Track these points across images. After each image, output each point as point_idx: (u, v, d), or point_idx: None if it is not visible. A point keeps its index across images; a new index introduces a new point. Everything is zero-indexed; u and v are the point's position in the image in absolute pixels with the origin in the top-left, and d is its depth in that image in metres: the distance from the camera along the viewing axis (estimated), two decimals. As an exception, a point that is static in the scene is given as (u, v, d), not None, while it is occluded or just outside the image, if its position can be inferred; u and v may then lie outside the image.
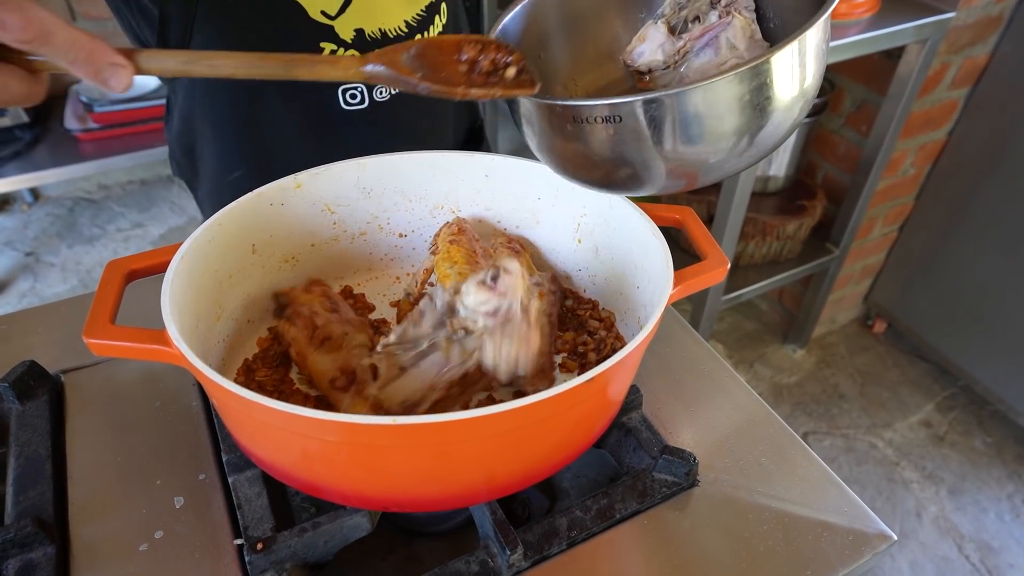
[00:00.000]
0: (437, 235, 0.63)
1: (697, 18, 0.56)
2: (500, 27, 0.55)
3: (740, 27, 0.53)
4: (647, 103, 0.43)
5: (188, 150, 0.78)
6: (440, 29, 0.74)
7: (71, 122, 1.93)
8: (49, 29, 0.36)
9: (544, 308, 0.54)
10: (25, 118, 1.91)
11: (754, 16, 0.54)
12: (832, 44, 1.21)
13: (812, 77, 0.46)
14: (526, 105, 0.50)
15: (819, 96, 1.48)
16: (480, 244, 0.63)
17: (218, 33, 0.65)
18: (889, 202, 1.75)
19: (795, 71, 0.44)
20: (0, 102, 0.38)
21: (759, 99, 0.44)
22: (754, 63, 0.42)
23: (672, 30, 0.56)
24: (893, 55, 1.42)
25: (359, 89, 0.70)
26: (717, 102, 0.43)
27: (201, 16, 0.63)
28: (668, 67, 0.56)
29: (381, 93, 0.71)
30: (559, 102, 0.47)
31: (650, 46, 0.56)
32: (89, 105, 1.89)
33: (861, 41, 1.24)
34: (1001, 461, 1.71)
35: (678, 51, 0.55)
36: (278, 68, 0.45)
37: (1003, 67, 1.51)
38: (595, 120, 0.45)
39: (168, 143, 0.80)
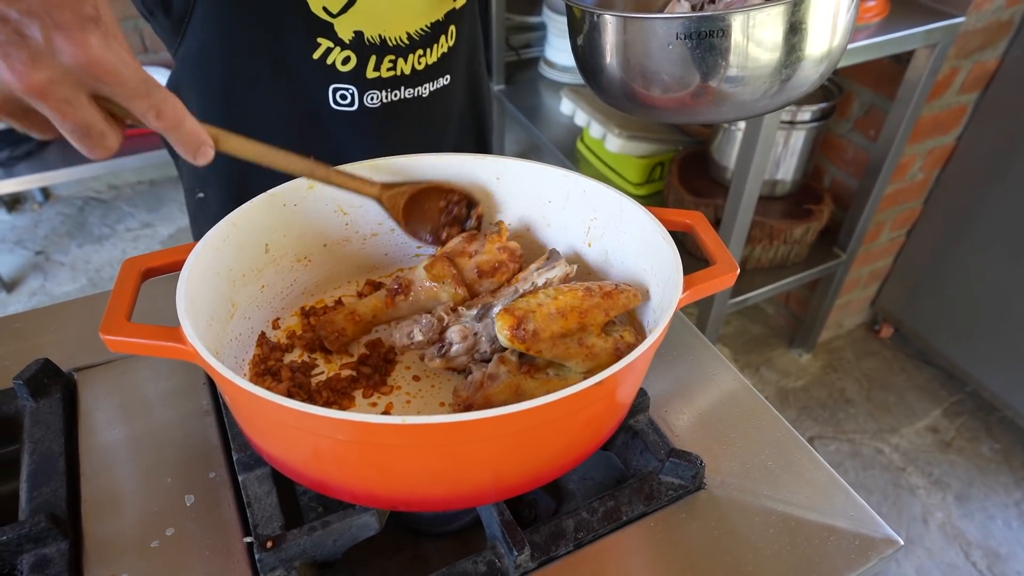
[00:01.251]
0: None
1: None
2: None
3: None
4: (787, 6, 0.46)
5: None
6: (445, 50, 0.74)
7: (82, 122, 1.94)
8: (181, 119, 0.44)
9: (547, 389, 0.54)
10: (37, 118, 1.93)
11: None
12: (841, 49, 1.21)
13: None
14: (622, 30, 0.51)
15: (827, 100, 1.48)
16: (604, 319, 0.56)
17: (219, 10, 0.65)
18: (897, 207, 1.75)
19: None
20: (92, 150, 0.42)
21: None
22: None
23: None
24: (902, 59, 1.42)
25: (350, 91, 0.70)
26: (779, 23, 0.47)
27: None
28: None
29: (372, 100, 0.71)
30: (684, 15, 0.49)
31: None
32: (100, 105, 1.91)
33: (870, 45, 1.24)
34: (1008, 468, 1.70)
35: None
36: (322, 176, 0.57)
37: (1013, 72, 1.51)
38: (702, 35, 0.47)
39: None
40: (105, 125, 0.41)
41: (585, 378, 0.50)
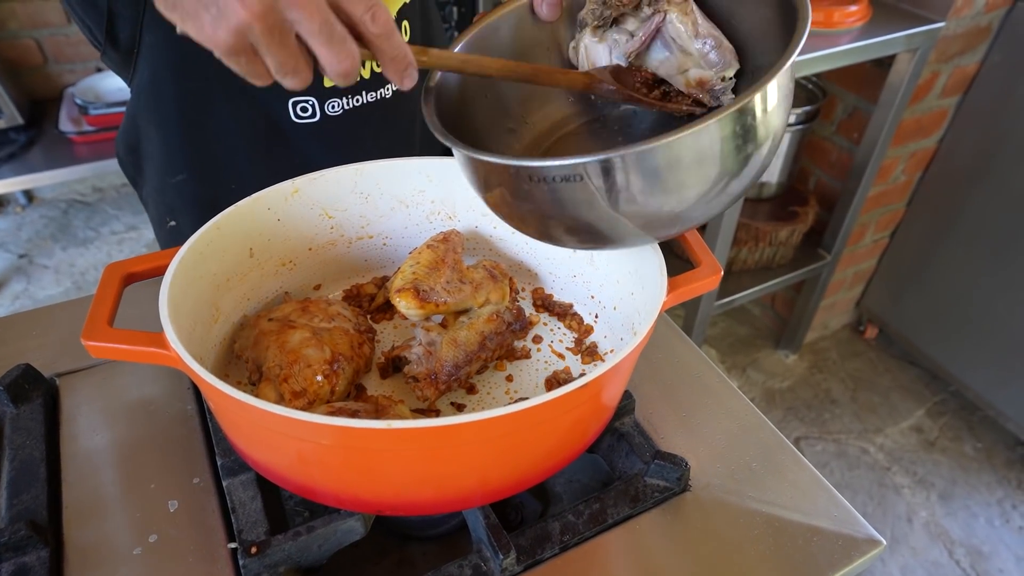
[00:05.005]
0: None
1: (622, 16, 0.54)
2: (439, 75, 0.53)
3: (678, 21, 0.50)
4: (605, 162, 0.41)
5: (132, 149, 0.78)
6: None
7: (66, 124, 1.93)
8: (392, 29, 0.42)
9: (482, 328, 0.58)
10: (20, 120, 1.91)
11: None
12: (824, 52, 1.22)
13: (780, 117, 0.44)
14: (479, 166, 0.47)
15: (811, 103, 1.50)
16: (458, 257, 0.63)
17: (166, 37, 0.64)
18: (880, 208, 1.76)
19: (761, 115, 0.42)
20: (338, 55, 0.41)
21: (733, 144, 0.42)
22: (711, 120, 0.40)
23: (598, 29, 0.55)
24: (884, 64, 1.44)
25: (310, 103, 0.69)
26: (682, 154, 0.41)
27: (149, 16, 0.62)
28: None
29: (333, 108, 0.70)
30: (518, 163, 0.44)
31: (602, 60, 0.55)
32: (84, 108, 1.89)
33: (852, 50, 1.25)
34: (991, 466, 1.72)
35: (629, 54, 0.55)
36: (527, 73, 0.52)
37: (992, 76, 1.53)
38: (555, 180, 0.43)
39: (115, 141, 0.81)
40: (343, 28, 0.40)
41: (489, 313, 0.60)
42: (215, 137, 0.71)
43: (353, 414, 0.49)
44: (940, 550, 1.54)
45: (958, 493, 1.66)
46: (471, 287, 0.61)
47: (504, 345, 0.60)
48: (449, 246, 0.63)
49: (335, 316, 0.58)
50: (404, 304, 0.58)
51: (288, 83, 0.42)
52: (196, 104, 0.69)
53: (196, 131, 0.71)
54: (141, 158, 0.77)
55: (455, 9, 1.90)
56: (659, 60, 0.54)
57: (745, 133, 0.42)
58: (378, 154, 0.64)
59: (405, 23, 0.73)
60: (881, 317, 1.99)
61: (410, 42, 0.74)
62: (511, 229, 0.66)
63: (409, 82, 0.45)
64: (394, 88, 0.74)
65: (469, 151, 0.45)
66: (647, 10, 0.53)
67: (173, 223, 0.78)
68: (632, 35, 0.54)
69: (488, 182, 0.48)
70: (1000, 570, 1.51)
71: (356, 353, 0.56)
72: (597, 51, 0.56)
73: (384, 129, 0.76)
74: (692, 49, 0.52)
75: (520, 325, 0.62)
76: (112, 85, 2.02)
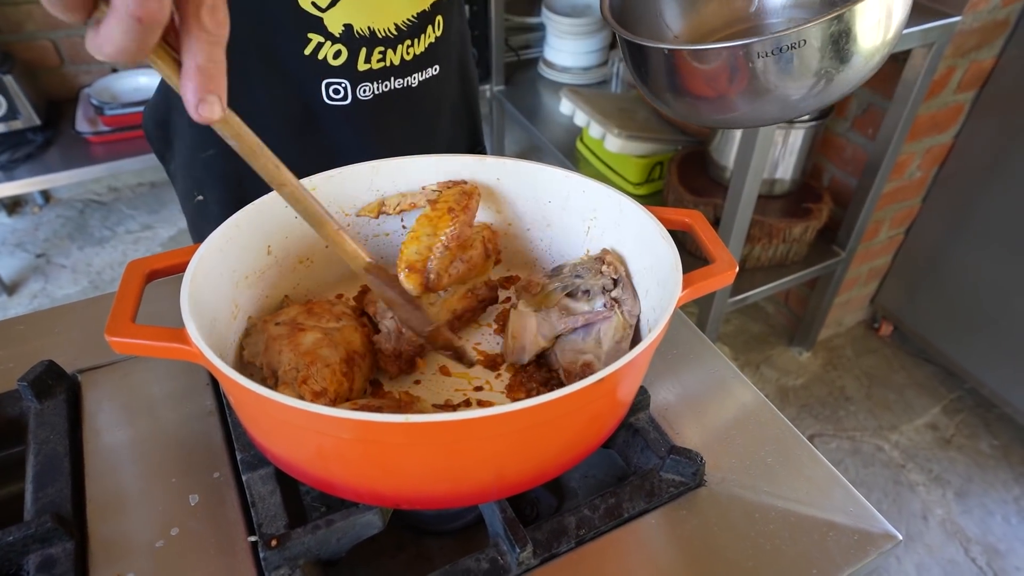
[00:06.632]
0: (447, 187, 0.64)
1: (587, 292, 0.58)
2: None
3: (616, 326, 0.56)
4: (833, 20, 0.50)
5: (161, 123, 0.79)
6: (432, 40, 0.74)
7: (82, 125, 1.95)
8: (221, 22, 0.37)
9: (455, 306, 0.61)
10: (37, 121, 1.93)
11: (634, 323, 0.57)
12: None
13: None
14: (685, 56, 0.54)
15: (825, 99, 1.48)
16: (469, 231, 0.63)
17: None
18: (895, 205, 1.75)
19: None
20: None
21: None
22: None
23: (569, 294, 0.59)
24: (899, 59, 1.42)
25: (343, 85, 0.70)
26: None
27: None
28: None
29: (365, 92, 0.71)
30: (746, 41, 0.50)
31: (528, 330, 0.58)
32: (100, 108, 1.91)
33: (867, 45, 1.24)
34: (1008, 464, 1.71)
35: (555, 336, 0.58)
36: (313, 222, 0.48)
37: (1009, 70, 1.52)
38: (779, 50, 0.49)
39: (144, 115, 0.82)
40: None
41: (464, 291, 0.61)
42: (247, 115, 0.72)
43: (376, 411, 0.50)
44: (956, 548, 1.53)
45: (974, 491, 1.65)
46: (466, 266, 0.61)
47: (473, 320, 0.64)
48: (468, 216, 0.61)
49: (341, 316, 0.58)
50: (411, 287, 0.57)
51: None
52: (232, 80, 0.70)
53: (229, 107, 0.72)
54: (171, 132, 0.79)
55: (467, 8, 1.90)
56: (568, 339, 0.57)
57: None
58: (403, 142, 0.65)
59: (439, 18, 0.74)
60: (896, 314, 1.97)
61: (443, 36, 0.76)
62: (524, 226, 0.67)
63: (207, 110, 0.39)
64: (420, 78, 0.75)
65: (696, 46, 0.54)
66: (601, 300, 0.57)
67: (200, 197, 0.79)
68: (570, 313, 0.57)
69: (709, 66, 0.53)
70: (1017, 568, 1.50)
71: (370, 349, 0.57)
72: (525, 318, 0.58)
73: (408, 118, 0.77)
74: (605, 347, 0.55)
75: (493, 301, 0.65)
76: (128, 85, 2.04)
